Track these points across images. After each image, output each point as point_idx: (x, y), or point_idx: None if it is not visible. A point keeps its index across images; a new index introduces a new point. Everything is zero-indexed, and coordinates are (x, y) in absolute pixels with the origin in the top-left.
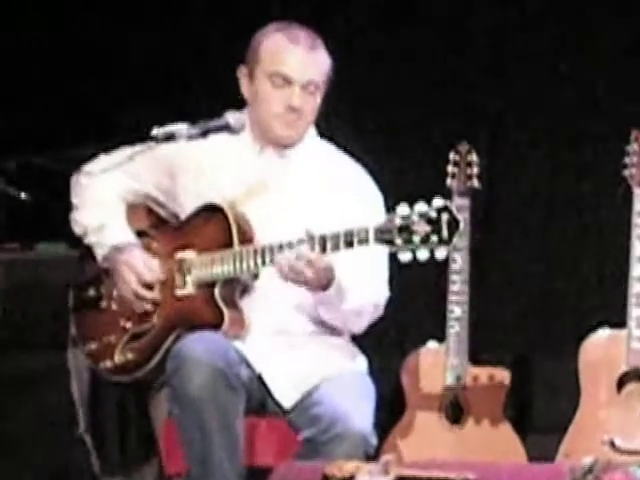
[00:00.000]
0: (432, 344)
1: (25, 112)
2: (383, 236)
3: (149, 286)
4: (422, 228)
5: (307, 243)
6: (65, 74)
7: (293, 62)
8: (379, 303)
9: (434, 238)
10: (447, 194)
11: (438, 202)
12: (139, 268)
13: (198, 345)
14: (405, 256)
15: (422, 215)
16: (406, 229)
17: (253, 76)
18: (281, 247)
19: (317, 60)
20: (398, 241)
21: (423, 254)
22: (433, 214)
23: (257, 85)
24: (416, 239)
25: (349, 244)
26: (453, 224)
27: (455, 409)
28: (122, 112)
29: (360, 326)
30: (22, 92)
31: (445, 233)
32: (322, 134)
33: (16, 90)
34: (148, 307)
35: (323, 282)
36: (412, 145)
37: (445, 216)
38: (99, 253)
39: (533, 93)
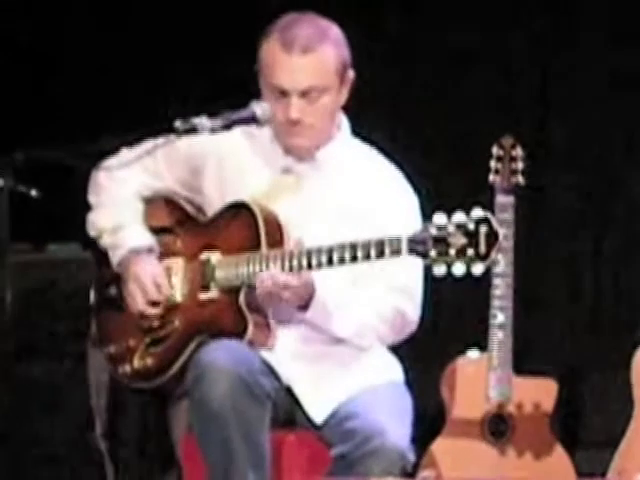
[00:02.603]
0: (474, 353)
1: (36, 103)
2: (417, 247)
3: (157, 303)
4: (459, 240)
5: (327, 253)
6: (80, 64)
7: (286, 73)
8: (403, 322)
9: (470, 252)
10: (490, 191)
11: (477, 213)
12: (147, 286)
13: (219, 353)
14: (439, 270)
15: (459, 226)
16: (442, 241)
17: (260, 79)
18: (309, 253)
19: (315, 63)
20: (432, 253)
21: (459, 269)
22: (471, 226)
23: (263, 90)
24: (452, 252)
25: (380, 254)
26: (492, 238)
27: (499, 423)
28: (142, 104)
29: (365, 344)
30: (33, 81)
31: (483, 247)
32: (357, 132)
33: (27, 79)
34: (155, 324)
35: (303, 301)
36: (453, 140)
37: (484, 229)
38: (113, 257)
39: (579, 85)
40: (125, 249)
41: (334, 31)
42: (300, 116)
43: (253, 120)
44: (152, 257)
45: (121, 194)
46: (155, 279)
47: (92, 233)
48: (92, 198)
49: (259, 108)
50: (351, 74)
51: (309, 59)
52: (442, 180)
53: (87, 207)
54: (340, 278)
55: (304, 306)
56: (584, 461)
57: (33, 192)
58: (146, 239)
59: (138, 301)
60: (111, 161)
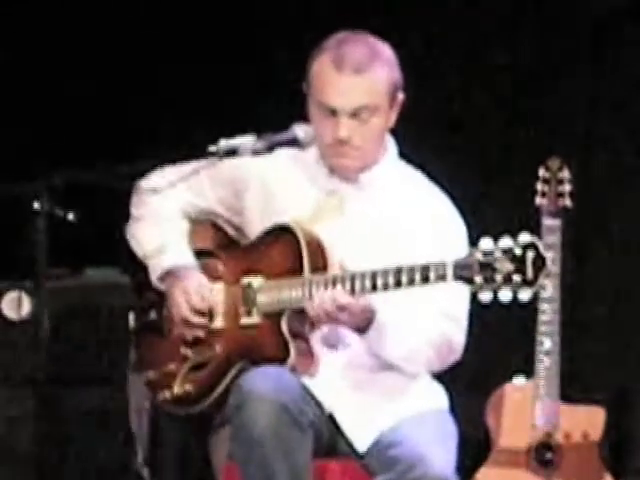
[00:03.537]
0: (520, 380)
1: (73, 124)
2: (462, 273)
3: (201, 312)
4: (505, 266)
5: (352, 280)
6: (121, 86)
7: (336, 92)
8: (449, 349)
9: (517, 278)
10: (536, 214)
11: (524, 237)
12: (191, 294)
13: (261, 380)
14: (486, 296)
15: (506, 251)
16: (487, 266)
17: (309, 99)
18: (353, 277)
19: (367, 83)
20: (478, 279)
21: (505, 295)
22: (518, 251)
23: (311, 110)
24: (498, 278)
25: (425, 279)
26: (539, 263)
27: (545, 451)
28: (181, 125)
29: (413, 370)
30: (70, 102)
31: (530, 273)
32: (403, 154)
33: (63, 100)
34: (199, 334)
35: (360, 325)
36: (499, 162)
37: (531, 254)
38: (154, 275)
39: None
40: (166, 267)
41: (386, 51)
42: (349, 136)
43: (295, 142)
44: (196, 270)
45: (164, 209)
46: (199, 288)
47: (135, 249)
48: (134, 211)
49: (301, 131)
50: (401, 96)
51: (361, 79)
52: (488, 200)
53: (126, 231)
54: (387, 300)
55: (362, 329)
56: None
57: (70, 216)
58: (188, 257)
59: (182, 309)
60: (154, 179)
